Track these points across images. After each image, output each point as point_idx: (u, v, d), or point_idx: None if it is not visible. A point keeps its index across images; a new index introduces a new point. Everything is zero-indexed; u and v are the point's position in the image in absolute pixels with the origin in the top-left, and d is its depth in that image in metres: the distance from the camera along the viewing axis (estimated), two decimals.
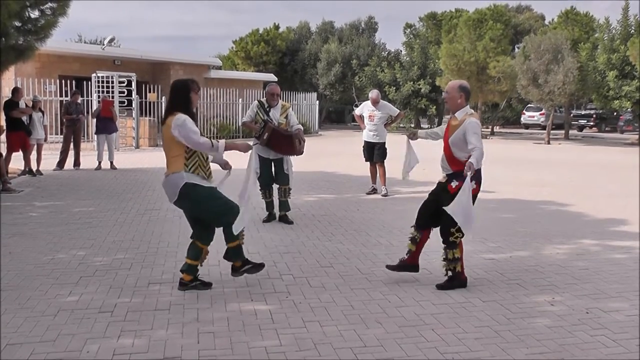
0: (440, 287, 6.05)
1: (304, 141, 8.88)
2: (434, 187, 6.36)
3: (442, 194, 6.09)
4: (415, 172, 14.73)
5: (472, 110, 6.15)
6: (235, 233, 5.71)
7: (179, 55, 31.53)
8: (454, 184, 5.95)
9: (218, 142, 5.66)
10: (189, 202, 5.69)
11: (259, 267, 5.99)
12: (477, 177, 5.91)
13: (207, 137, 5.78)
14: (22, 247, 7.39)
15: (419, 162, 7.33)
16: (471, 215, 5.79)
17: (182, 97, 5.66)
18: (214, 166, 5.83)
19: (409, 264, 6.31)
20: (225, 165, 6.02)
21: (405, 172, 7.26)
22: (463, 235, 6.01)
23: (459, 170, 5.87)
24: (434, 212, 6.17)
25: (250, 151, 6.01)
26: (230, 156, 5.92)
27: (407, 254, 6.35)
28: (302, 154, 8.93)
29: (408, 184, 13.32)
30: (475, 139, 5.80)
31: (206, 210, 5.72)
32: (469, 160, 5.72)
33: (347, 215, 9.83)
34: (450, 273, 6.08)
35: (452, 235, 6.01)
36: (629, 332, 4.99)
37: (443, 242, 6.12)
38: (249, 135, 18.09)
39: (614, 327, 5.09)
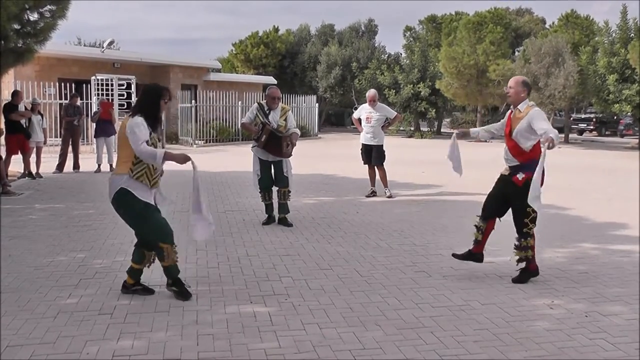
0: (516, 281, 6.34)
1: (294, 145, 8.89)
2: (496, 182, 6.54)
3: (508, 187, 6.31)
4: (415, 175, 14.67)
5: (532, 102, 6.36)
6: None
7: (178, 58, 31.52)
8: (520, 175, 6.18)
9: (158, 152, 5.41)
10: (120, 209, 5.60)
11: (149, 291, 5.82)
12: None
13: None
14: (22, 250, 7.40)
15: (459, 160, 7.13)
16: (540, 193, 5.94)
17: (150, 102, 5.61)
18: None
19: (475, 252, 6.61)
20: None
21: (457, 169, 7.06)
22: (535, 225, 6.29)
23: (525, 162, 6.15)
24: (500, 204, 6.45)
25: (188, 162, 5.59)
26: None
27: (473, 243, 6.61)
28: (288, 157, 8.94)
29: (408, 187, 13.36)
30: (546, 124, 6.03)
31: (134, 226, 5.67)
32: (549, 135, 5.81)
33: (347, 217, 9.83)
34: (522, 264, 6.38)
35: (525, 226, 6.27)
36: (628, 335, 4.99)
37: (517, 232, 6.36)
38: (248, 138, 18.13)
39: (613, 330, 5.09)
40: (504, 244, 8.12)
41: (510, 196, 6.29)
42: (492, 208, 6.51)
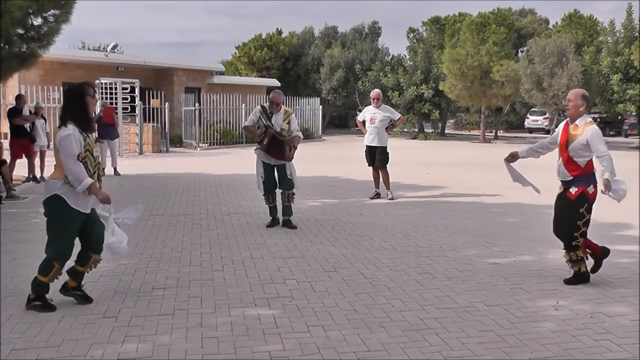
0: (567, 282, 6.39)
1: (295, 148, 8.92)
2: (555, 202, 6.55)
3: (562, 201, 6.35)
4: (419, 177, 14.65)
5: (590, 118, 6.38)
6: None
7: (181, 61, 31.54)
8: (572, 189, 6.23)
9: (84, 181, 5.23)
10: (48, 213, 5.47)
11: (49, 307, 5.46)
12: (593, 180, 6.26)
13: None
14: (26, 254, 7.40)
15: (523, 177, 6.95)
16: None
17: (75, 104, 5.41)
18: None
19: (598, 254, 6.55)
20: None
21: (531, 185, 6.90)
22: (584, 238, 6.31)
23: (579, 175, 6.19)
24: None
25: (108, 205, 5.53)
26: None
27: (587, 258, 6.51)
28: (290, 160, 8.94)
29: (412, 189, 13.36)
30: (604, 147, 6.12)
31: (50, 231, 5.50)
32: (604, 177, 6.03)
33: (351, 219, 9.83)
34: (575, 271, 6.41)
35: (575, 239, 6.27)
36: (633, 336, 4.97)
37: (565, 247, 6.41)
38: (252, 140, 18.14)
39: (619, 331, 5.08)
40: (508, 245, 8.12)
41: (563, 209, 6.32)
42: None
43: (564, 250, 6.45)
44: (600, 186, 6.13)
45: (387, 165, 11.95)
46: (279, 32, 43.60)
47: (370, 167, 12.16)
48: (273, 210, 9.32)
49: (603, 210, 10.89)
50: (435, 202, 11.73)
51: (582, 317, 5.41)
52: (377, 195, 12.01)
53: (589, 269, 6.47)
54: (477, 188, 13.22)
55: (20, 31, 12.37)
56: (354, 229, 9.08)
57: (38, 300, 5.49)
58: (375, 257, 7.43)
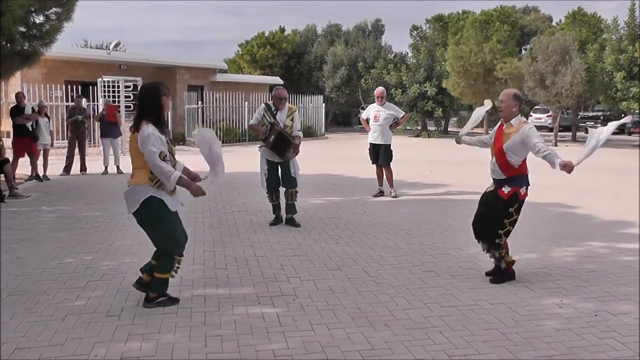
0: (493, 281, 6.33)
1: (298, 152, 8.95)
2: (480, 198, 6.54)
3: (494, 201, 6.28)
4: (423, 175, 14.65)
5: (524, 118, 6.37)
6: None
7: (184, 59, 31.55)
8: (505, 189, 6.18)
9: (172, 175, 5.20)
10: (145, 218, 5.41)
11: (174, 300, 5.61)
12: (526, 182, 6.25)
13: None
14: (29, 252, 7.41)
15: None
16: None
17: (153, 104, 5.35)
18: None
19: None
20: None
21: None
22: (507, 236, 6.29)
23: (512, 176, 6.15)
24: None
25: (201, 196, 5.49)
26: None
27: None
28: (288, 160, 8.94)
29: (415, 186, 13.34)
30: (542, 142, 6.05)
31: (152, 233, 5.49)
32: (566, 160, 5.86)
33: (354, 217, 9.82)
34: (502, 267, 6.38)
35: (498, 237, 6.22)
36: (637, 335, 4.96)
37: (488, 245, 6.35)
38: (255, 138, 18.15)
39: (623, 329, 5.07)
40: (511, 243, 8.10)
41: (493, 211, 6.25)
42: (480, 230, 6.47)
43: (485, 250, 6.45)
44: (556, 168, 5.86)
45: (391, 163, 11.93)
46: (282, 30, 43.59)
47: (374, 165, 12.15)
48: (276, 208, 9.31)
49: (607, 209, 10.91)
50: (438, 200, 11.71)
51: (586, 316, 5.40)
52: (381, 193, 12.00)
53: (489, 270, 6.54)
54: (480, 186, 13.17)
55: (23, 29, 12.40)
56: (357, 227, 9.06)
57: (162, 296, 5.56)
58: (378, 255, 7.42)
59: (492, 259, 6.47)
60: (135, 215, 5.42)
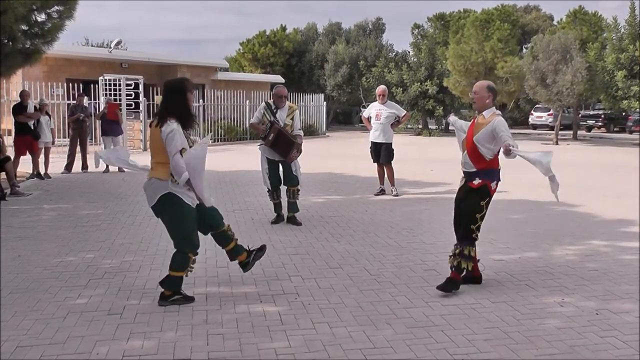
0: (441, 288, 5.95)
1: (300, 152, 8.94)
2: (456, 195, 6.34)
3: (466, 196, 6.13)
4: (424, 173, 14.64)
5: (498, 110, 6.25)
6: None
7: (185, 57, 31.60)
8: (476, 181, 6.03)
9: (182, 175, 5.24)
10: (164, 212, 5.47)
11: (189, 299, 5.62)
12: (497, 177, 6.10)
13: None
14: (31, 250, 7.42)
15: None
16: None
17: (180, 100, 5.39)
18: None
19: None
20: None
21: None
22: (479, 231, 6.07)
23: (482, 169, 6.02)
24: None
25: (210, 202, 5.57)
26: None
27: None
28: (291, 161, 8.93)
29: (416, 185, 13.34)
30: (508, 134, 5.92)
31: (171, 227, 5.53)
32: (508, 142, 5.72)
33: (356, 216, 9.82)
34: (455, 269, 6.00)
35: (472, 232, 6.04)
36: (639, 333, 4.95)
37: (458, 239, 6.10)
38: (256, 137, 18.16)
39: (624, 328, 5.07)
40: (513, 241, 8.11)
41: (463, 200, 6.11)
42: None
43: (457, 246, 6.09)
44: (505, 150, 5.72)
45: (392, 162, 11.93)
46: (283, 29, 43.58)
47: (375, 164, 12.15)
48: (278, 207, 9.31)
49: (608, 207, 10.90)
50: (440, 199, 11.70)
51: (588, 314, 5.40)
52: (382, 192, 12.00)
53: (462, 276, 6.11)
54: None
55: (24, 27, 12.40)
56: (358, 226, 9.07)
57: (177, 294, 5.57)
58: (380, 254, 7.42)
59: (451, 257, 6.10)
60: (152, 209, 5.57)
